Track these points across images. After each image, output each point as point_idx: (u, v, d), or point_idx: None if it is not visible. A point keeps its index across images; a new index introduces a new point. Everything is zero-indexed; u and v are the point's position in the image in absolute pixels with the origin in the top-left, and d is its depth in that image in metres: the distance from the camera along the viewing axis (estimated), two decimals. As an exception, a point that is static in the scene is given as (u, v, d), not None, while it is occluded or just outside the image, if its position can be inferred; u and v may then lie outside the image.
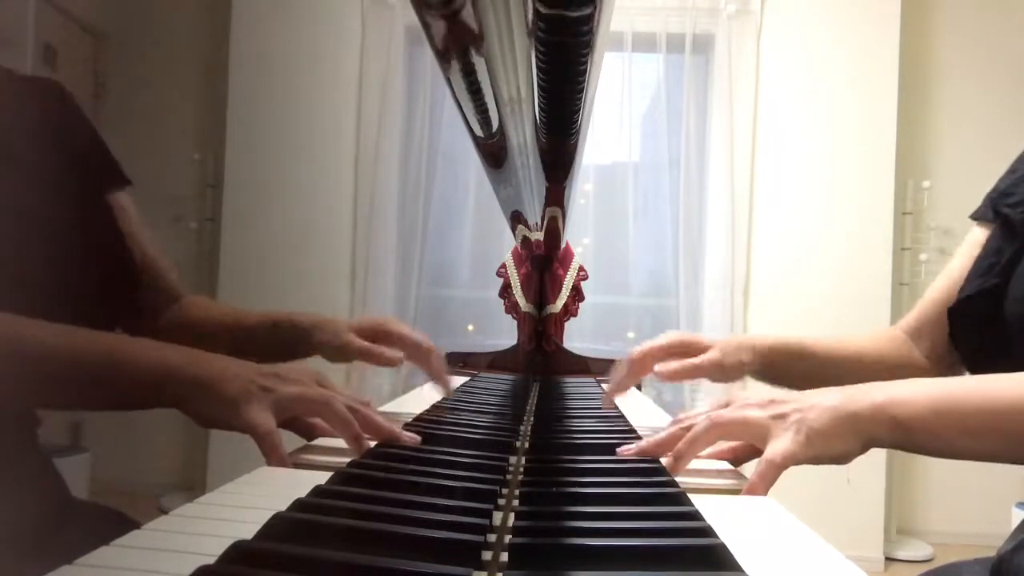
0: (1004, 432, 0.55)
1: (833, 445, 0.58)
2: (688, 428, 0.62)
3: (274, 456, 0.58)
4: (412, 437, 0.64)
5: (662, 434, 0.64)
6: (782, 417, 0.59)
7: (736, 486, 0.60)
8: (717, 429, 0.62)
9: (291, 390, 0.62)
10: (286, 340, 0.84)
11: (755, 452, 0.64)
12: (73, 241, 0.72)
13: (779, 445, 0.58)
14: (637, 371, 0.84)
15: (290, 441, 0.64)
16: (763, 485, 0.57)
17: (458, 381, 1.24)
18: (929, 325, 0.88)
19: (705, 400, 2.62)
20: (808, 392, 0.62)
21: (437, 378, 0.87)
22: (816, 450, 0.57)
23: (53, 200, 0.71)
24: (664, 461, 0.62)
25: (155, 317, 0.88)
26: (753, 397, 0.63)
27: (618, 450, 0.65)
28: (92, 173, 0.81)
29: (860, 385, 0.60)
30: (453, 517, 0.41)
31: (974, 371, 0.81)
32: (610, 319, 3.08)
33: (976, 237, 0.85)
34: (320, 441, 0.69)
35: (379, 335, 0.84)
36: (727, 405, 0.65)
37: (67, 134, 0.79)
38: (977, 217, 0.86)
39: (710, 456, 0.69)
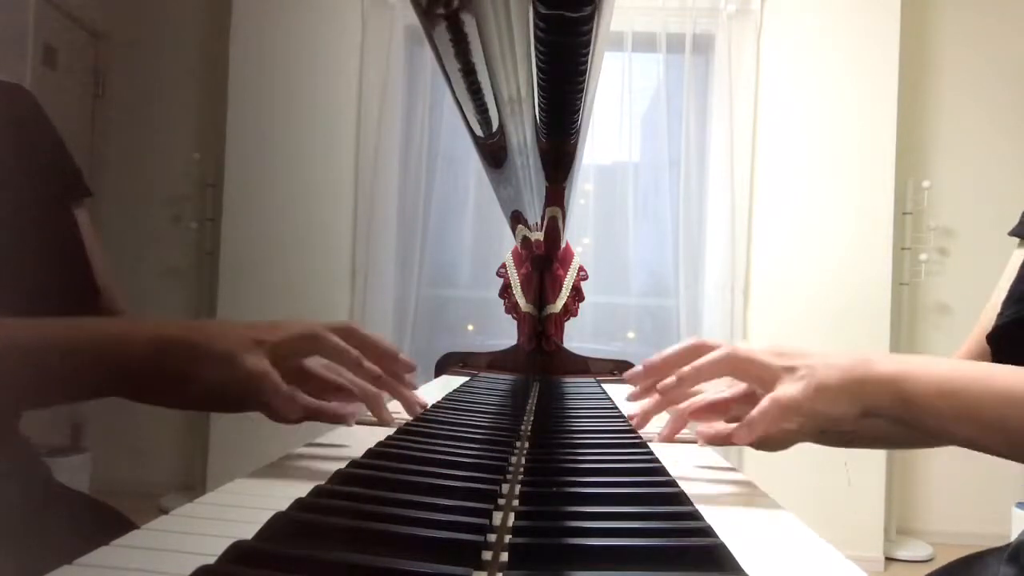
0: (1007, 425, 0.55)
1: (836, 404, 0.58)
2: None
3: (278, 399, 0.57)
4: (414, 399, 0.63)
5: (670, 350, 0.66)
6: (792, 369, 0.60)
7: (742, 492, 0.60)
8: (730, 360, 0.62)
9: (282, 333, 0.61)
10: None
11: (746, 410, 0.64)
12: (35, 249, 0.71)
13: (786, 389, 0.58)
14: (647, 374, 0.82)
15: (284, 446, 0.64)
16: (762, 422, 0.58)
17: (458, 381, 1.24)
18: (983, 356, 0.85)
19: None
20: (819, 350, 0.62)
21: (403, 400, 0.77)
22: (819, 404, 0.58)
23: (14, 206, 0.70)
24: (667, 382, 0.63)
25: None
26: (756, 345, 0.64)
27: (625, 374, 0.66)
28: (55, 181, 0.79)
29: (873, 352, 0.60)
30: (453, 517, 0.41)
31: None
32: (610, 319, 3.08)
33: (1017, 258, 0.82)
34: (321, 440, 0.69)
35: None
36: (703, 347, 0.65)
37: (30, 140, 0.78)
38: (1015, 234, 0.85)
39: (710, 403, 0.69)
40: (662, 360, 0.68)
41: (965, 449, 0.62)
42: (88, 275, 0.78)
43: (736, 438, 0.61)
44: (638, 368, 0.72)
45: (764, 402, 0.59)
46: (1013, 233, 0.84)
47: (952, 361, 0.62)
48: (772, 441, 0.60)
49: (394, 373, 0.73)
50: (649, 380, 0.70)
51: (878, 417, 0.59)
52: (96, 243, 0.82)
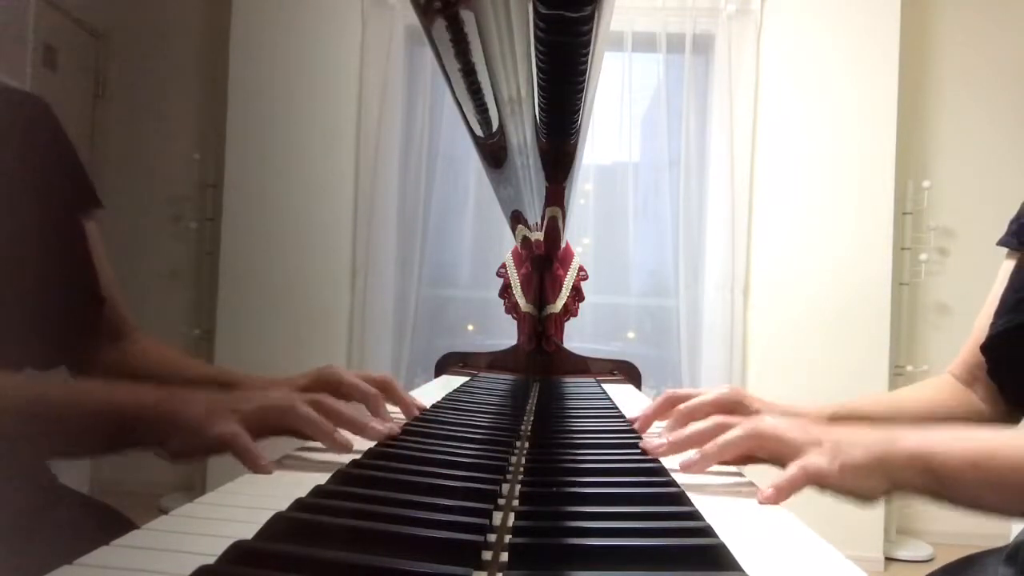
0: None
1: (863, 482, 0.57)
2: (690, 414, 0.62)
3: (249, 458, 0.58)
4: (382, 430, 0.64)
5: (688, 430, 0.64)
6: (818, 443, 0.59)
7: (735, 485, 0.60)
8: (754, 440, 0.61)
9: (253, 403, 0.62)
10: None
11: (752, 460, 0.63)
12: (43, 259, 0.72)
13: (813, 459, 0.57)
14: (677, 421, 0.77)
15: (283, 445, 0.64)
16: (789, 489, 0.57)
17: (458, 381, 1.24)
18: (980, 368, 0.84)
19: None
20: (841, 428, 0.61)
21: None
22: (846, 482, 0.57)
23: (27, 216, 0.71)
24: (687, 456, 0.61)
25: (108, 345, 0.87)
26: (772, 406, 0.63)
27: (641, 445, 0.64)
28: (68, 193, 0.80)
29: (897, 430, 0.59)
30: (453, 517, 0.41)
31: (1018, 407, 0.80)
32: (610, 319, 3.08)
33: (1007, 268, 0.82)
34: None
35: (330, 389, 0.78)
36: (734, 401, 0.64)
37: (44, 151, 0.79)
38: (1003, 244, 0.84)
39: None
40: (689, 408, 0.67)
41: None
42: (94, 285, 0.79)
43: (764, 500, 0.59)
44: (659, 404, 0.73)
45: (793, 469, 0.57)
46: (1001, 243, 0.84)
47: (977, 432, 0.61)
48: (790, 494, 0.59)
49: (376, 410, 0.75)
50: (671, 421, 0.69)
51: (907, 493, 0.59)
52: (104, 254, 0.83)
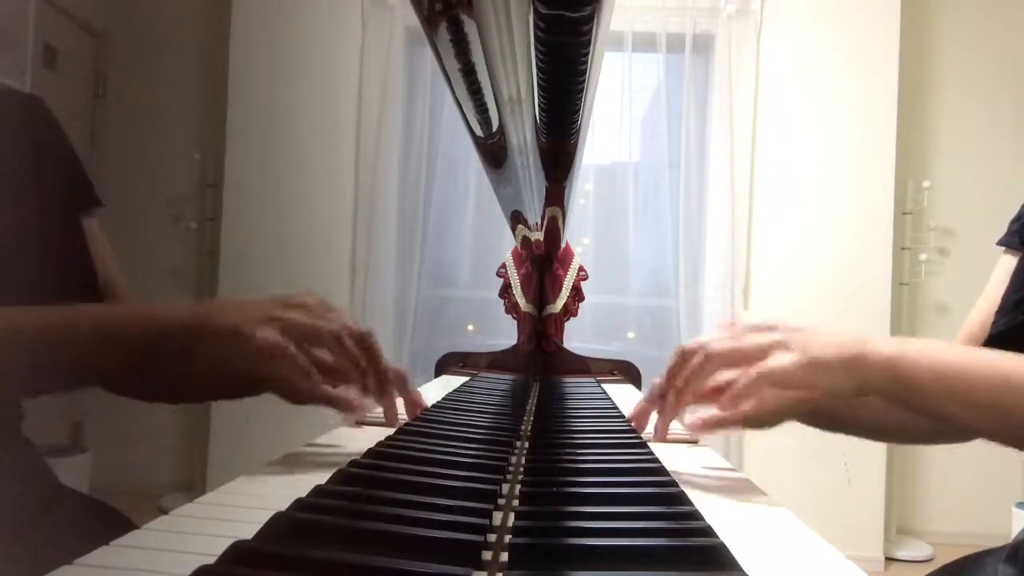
0: (1003, 410, 0.55)
1: (831, 377, 0.56)
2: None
3: (295, 372, 0.55)
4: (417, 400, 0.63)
5: (667, 368, 0.64)
6: (783, 343, 0.58)
7: (735, 484, 0.60)
8: (716, 360, 0.60)
9: (298, 317, 0.59)
10: None
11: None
12: (40, 257, 0.72)
13: (775, 361, 0.57)
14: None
15: (284, 444, 0.64)
16: (747, 395, 0.56)
17: (458, 381, 1.24)
18: None
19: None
20: (814, 326, 0.60)
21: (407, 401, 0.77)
22: (811, 378, 0.56)
23: (24, 214, 0.71)
24: (668, 400, 0.62)
25: None
26: (749, 323, 0.62)
27: (628, 415, 0.65)
28: (67, 192, 0.80)
29: (868, 334, 0.59)
30: (453, 517, 0.41)
31: None
32: (610, 319, 3.08)
33: (1005, 266, 0.82)
34: (321, 440, 0.69)
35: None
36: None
37: (45, 151, 0.79)
38: (1003, 244, 0.84)
39: (708, 394, 0.65)
40: (663, 381, 0.67)
41: (965, 449, 0.62)
42: (92, 285, 0.79)
43: (722, 415, 0.59)
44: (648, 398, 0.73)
45: (751, 372, 0.57)
46: (1002, 243, 0.84)
47: (950, 345, 0.61)
48: (760, 417, 0.58)
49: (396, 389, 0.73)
50: (656, 405, 0.69)
51: (872, 394, 0.58)
52: (105, 253, 0.83)
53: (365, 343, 0.62)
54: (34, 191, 0.74)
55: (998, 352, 0.59)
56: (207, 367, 0.56)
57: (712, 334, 0.63)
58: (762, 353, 0.58)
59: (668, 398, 0.61)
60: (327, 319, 0.61)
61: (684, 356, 0.62)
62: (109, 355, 0.57)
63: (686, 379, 0.61)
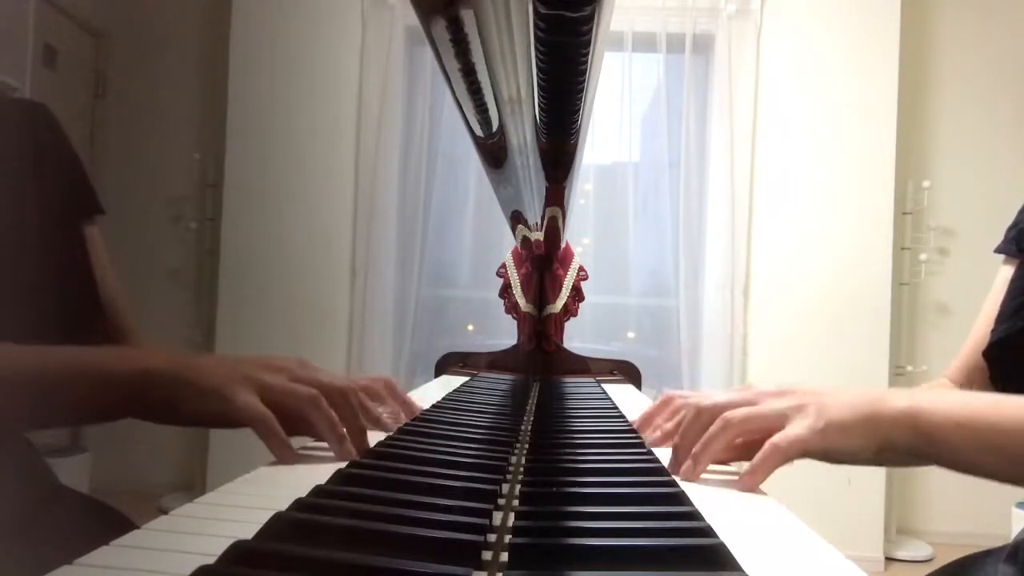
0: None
1: (849, 440, 0.56)
2: (679, 417, 0.61)
3: (275, 441, 0.57)
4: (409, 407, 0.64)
5: (675, 441, 0.62)
6: (801, 408, 0.57)
7: (735, 484, 0.60)
8: (734, 428, 0.59)
9: (277, 380, 0.61)
10: None
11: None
12: (42, 266, 0.72)
13: (791, 430, 0.56)
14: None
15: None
16: (763, 470, 0.56)
17: (458, 381, 1.24)
18: (977, 372, 0.83)
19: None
20: (829, 386, 0.60)
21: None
22: (831, 442, 0.56)
23: (27, 222, 0.71)
24: (682, 466, 0.60)
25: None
26: (765, 387, 0.61)
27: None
28: (70, 200, 0.80)
29: (883, 389, 0.59)
30: (453, 517, 0.41)
31: None
32: (610, 319, 3.08)
33: (1005, 275, 0.82)
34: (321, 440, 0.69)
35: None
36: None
37: (49, 158, 0.79)
38: (1001, 251, 0.84)
39: (726, 457, 0.65)
40: (678, 441, 0.65)
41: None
42: (92, 293, 0.79)
43: (743, 486, 0.58)
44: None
45: (765, 447, 0.56)
46: (999, 251, 0.84)
47: (965, 393, 0.60)
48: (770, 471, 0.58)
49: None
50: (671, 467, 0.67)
51: (895, 452, 0.57)
52: (106, 261, 0.83)
53: (345, 400, 0.63)
54: (37, 199, 0.74)
55: (1010, 397, 0.57)
56: (189, 419, 0.60)
57: (725, 392, 0.63)
58: (781, 419, 0.58)
59: (685, 464, 0.60)
60: (308, 381, 0.63)
61: (699, 414, 0.61)
62: (92, 403, 0.61)
63: (704, 444, 0.59)
